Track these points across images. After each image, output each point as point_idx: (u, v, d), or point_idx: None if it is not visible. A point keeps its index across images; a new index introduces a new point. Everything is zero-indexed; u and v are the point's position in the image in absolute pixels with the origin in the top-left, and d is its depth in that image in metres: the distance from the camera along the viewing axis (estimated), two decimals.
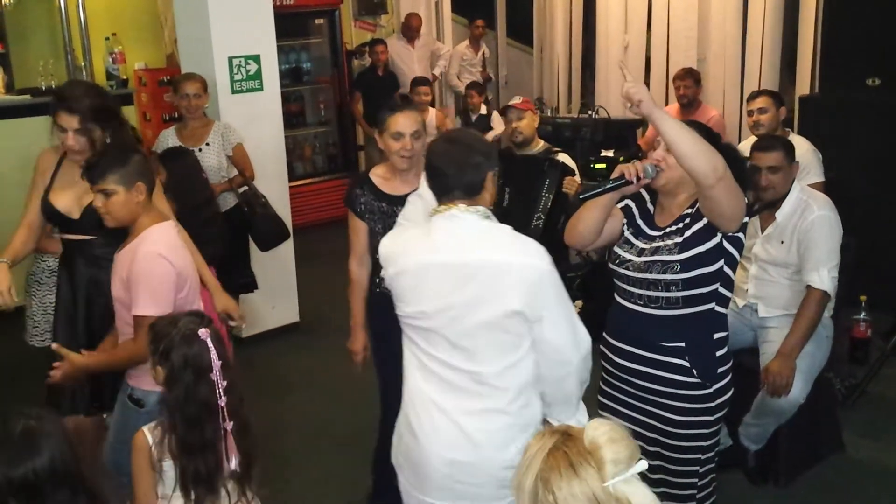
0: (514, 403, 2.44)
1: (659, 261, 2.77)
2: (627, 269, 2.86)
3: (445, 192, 2.45)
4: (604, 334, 2.99)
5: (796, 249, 3.68)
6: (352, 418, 4.57)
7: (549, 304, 2.40)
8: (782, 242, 3.72)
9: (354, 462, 4.14)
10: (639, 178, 2.75)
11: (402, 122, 3.38)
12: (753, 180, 3.75)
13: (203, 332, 2.46)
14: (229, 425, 2.47)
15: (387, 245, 2.59)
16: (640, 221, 2.94)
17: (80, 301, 3.42)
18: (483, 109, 7.91)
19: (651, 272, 2.79)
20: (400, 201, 3.42)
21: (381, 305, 3.57)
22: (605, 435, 1.59)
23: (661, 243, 2.80)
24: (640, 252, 2.85)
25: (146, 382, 2.82)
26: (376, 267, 3.52)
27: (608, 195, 2.80)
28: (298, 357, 5.46)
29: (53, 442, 2.02)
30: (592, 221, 2.89)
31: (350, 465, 4.15)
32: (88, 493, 2.10)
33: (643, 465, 1.59)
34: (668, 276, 2.75)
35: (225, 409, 2.45)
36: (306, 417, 4.69)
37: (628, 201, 2.99)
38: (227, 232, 4.76)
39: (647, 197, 2.99)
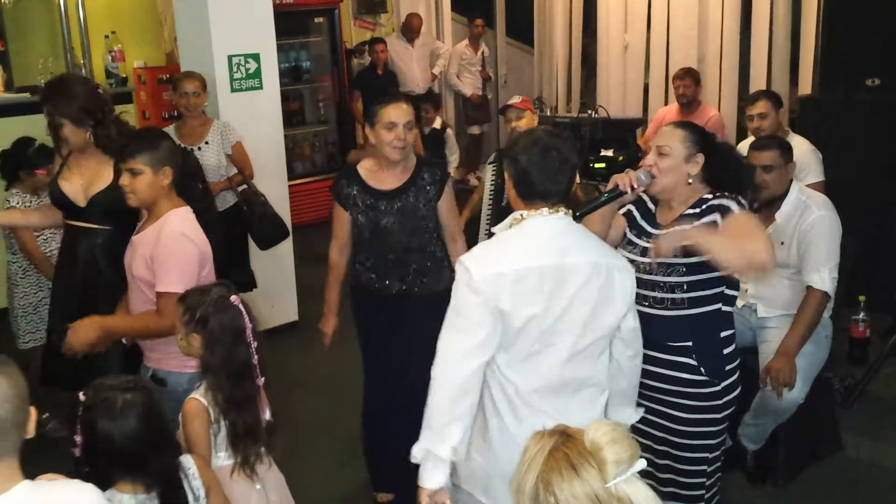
0: (605, 401, 2.56)
1: (664, 263, 2.78)
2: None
3: (544, 197, 2.41)
4: None
5: (796, 250, 3.68)
6: (351, 417, 4.55)
7: (633, 295, 2.52)
8: (782, 243, 3.71)
9: (353, 460, 4.14)
10: (633, 188, 2.80)
11: (395, 112, 3.41)
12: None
13: (234, 299, 2.70)
14: (261, 381, 2.70)
15: (482, 265, 2.35)
16: (641, 222, 2.96)
17: (78, 285, 3.46)
18: (437, 123, 7.35)
19: (655, 274, 2.81)
20: (385, 196, 3.49)
21: (363, 297, 3.64)
22: (607, 436, 1.59)
23: None
24: (644, 251, 2.87)
25: (168, 364, 3.04)
26: (356, 256, 3.62)
27: (607, 206, 2.85)
28: (297, 356, 5.45)
29: (146, 412, 2.24)
30: (595, 234, 2.91)
31: (349, 463, 4.15)
32: (179, 451, 2.41)
33: (642, 463, 1.58)
34: (673, 279, 2.77)
35: (258, 368, 2.68)
36: (305, 416, 4.69)
37: (629, 206, 3.01)
38: (223, 238, 4.75)
39: (646, 197, 3.00)
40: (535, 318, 2.35)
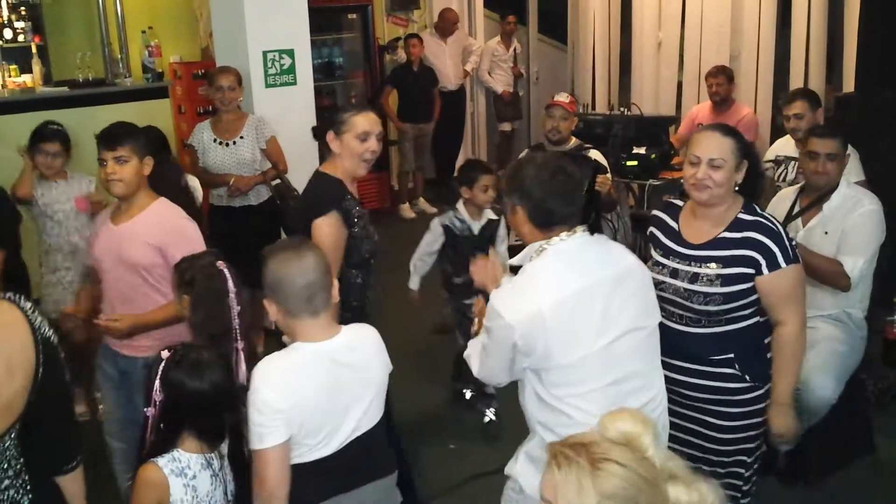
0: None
1: (701, 292, 2.78)
2: (664, 291, 2.86)
3: (562, 223, 2.40)
4: None
5: (838, 240, 3.64)
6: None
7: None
8: (826, 233, 3.66)
9: None
10: None
11: (364, 122, 3.21)
12: (804, 167, 3.76)
13: (220, 264, 2.82)
14: (240, 345, 2.76)
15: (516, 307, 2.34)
16: (667, 241, 2.93)
17: None
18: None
19: (692, 301, 2.80)
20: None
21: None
22: (627, 422, 1.58)
23: (698, 269, 2.79)
24: (674, 273, 2.85)
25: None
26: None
27: None
28: None
29: (226, 367, 2.49)
30: None
31: None
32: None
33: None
34: (711, 308, 2.77)
35: (238, 331, 2.75)
36: None
37: (651, 228, 3.00)
38: (257, 231, 4.78)
39: (665, 217, 2.98)
40: (599, 343, 2.34)
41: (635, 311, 2.42)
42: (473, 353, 2.55)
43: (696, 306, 2.80)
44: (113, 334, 3.19)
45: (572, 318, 2.30)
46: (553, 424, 2.38)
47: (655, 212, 3.06)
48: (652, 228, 3.01)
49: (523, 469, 2.51)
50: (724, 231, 2.79)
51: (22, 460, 1.90)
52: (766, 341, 2.85)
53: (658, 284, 2.87)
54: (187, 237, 3.19)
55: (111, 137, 3.13)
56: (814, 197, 3.75)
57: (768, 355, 2.84)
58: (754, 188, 2.86)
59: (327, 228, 3.12)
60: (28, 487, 1.92)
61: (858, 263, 3.54)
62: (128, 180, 3.14)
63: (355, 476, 2.48)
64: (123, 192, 3.17)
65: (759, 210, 2.82)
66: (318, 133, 3.58)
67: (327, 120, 3.42)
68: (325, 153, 3.54)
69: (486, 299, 2.48)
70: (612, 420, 1.59)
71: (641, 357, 2.45)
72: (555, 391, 2.35)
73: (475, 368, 2.54)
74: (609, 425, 1.58)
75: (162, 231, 3.17)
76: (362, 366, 2.45)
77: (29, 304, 1.92)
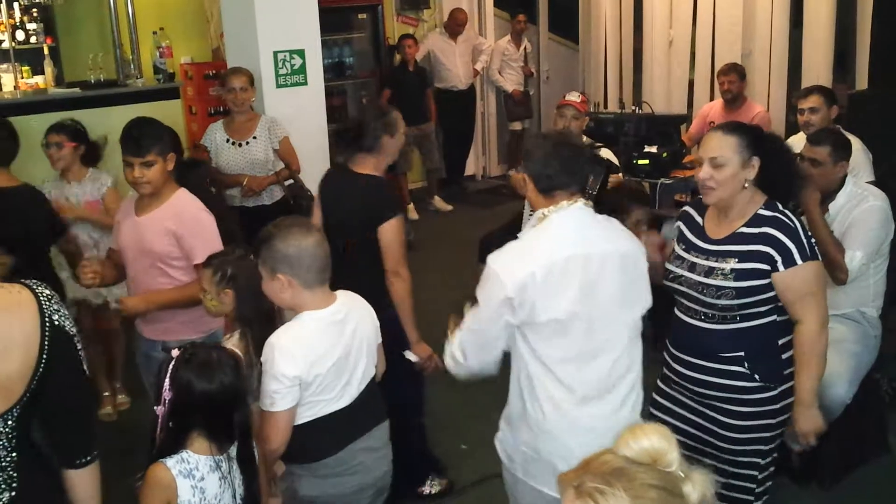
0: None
1: (713, 285, 2.77)
2: (681, 284, 2.87)
3: (562, 187, 2.50)
4: (666, 343, 3.04)
5: (841, 237, 3.62)
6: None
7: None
8: (831, 232, 3.65)
9: None
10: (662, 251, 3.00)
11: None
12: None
13: (253, 256, 2.87)
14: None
15: (511, 269, 2.43)
16: (690, 236, 2.93)
17: None
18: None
19: (705, 295, 2.79)
20: None
21: None
22: (653, 440, 1.53)
23: (714, 263, 2.79)
24: (692, 267, 2.85)
25: (175, 334, 3.30)
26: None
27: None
28: None
29: (236, 368, 2.44)
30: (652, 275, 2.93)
31: None
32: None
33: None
34: (723, 302, 2.76)
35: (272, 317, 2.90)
36: None
37: (678, 223, 3.01)
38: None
39: (693, 212, 2.98)
40: (573, 311, 2.42)
41: (620, 293, 2.49)
42: (455, 349, 2.59)
43: (708, 300, 2.79)
44: (132, 313, 3.33)
45: (558, 282, 2.40)
46: None
47: (686, 207, 3.06)
48: (679, 223, 3.02)
49: (503, 434, 2.66)
50: (742, 226, 2.79)
51: (14, 455, 1.86)
52: (781, 342, 2.82)
53: (676, 278, 2.90)
54: (203, 227, 3.33)
55: (138, 145, 3.25)
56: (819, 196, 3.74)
57: (784, 356, 2.82)
58: (787, 187, 2.84)
59: (399, 228, 3.48)
60: (14, 485, 1.87)
61: (857, 256, 3.53)
62: (155, 182, 3.29)
63: (366, 422, 2.77)
64: (151, 192, 3.33)
65: (780, 207, 2.79)
66: (360, 140, 3.59)
67: (367, 124, 3.57)
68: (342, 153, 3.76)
69: None
70: (635, 437, 1.53)
71: (622, 342, 2.52)
72: (535, 348, 2.47)
73: (460, 360, 2.57)
74: (632, 443, 1.53)
75: (179, 219, 3.30)
76: (359, 324, 2.72)
77: (48, 292, 1.88)
